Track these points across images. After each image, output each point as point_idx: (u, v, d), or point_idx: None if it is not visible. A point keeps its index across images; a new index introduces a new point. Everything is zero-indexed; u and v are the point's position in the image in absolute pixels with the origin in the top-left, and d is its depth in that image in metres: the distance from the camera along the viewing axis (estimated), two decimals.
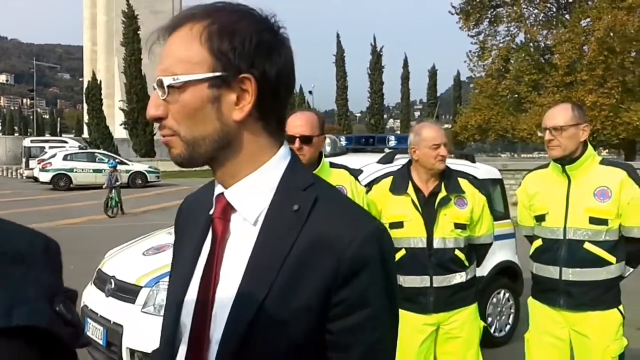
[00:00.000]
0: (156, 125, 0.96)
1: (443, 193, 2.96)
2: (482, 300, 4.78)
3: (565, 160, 2.74)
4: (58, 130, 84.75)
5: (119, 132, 44.40)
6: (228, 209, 0.96)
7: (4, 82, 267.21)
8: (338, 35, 48.98)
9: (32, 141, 33.54)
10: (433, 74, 55.53)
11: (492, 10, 30.74)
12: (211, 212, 0.99)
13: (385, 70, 47.39)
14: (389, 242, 0.97)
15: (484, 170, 5.27)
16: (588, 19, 26.62)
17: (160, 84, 0.90)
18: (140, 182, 25.24)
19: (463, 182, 3.05)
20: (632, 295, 3.34)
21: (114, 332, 3.68)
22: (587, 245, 2.68)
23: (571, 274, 2.71)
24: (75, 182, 24.08)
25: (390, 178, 3.14)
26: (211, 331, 0.93)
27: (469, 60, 31.00)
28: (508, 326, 5.16)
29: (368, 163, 4.36)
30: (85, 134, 44.96)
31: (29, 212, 15.21)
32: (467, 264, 3.01)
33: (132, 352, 3.57)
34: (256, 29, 0.91)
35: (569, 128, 2.69)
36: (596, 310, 2.71)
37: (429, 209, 2.95)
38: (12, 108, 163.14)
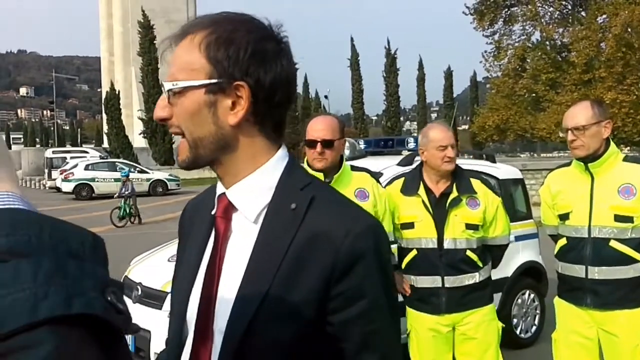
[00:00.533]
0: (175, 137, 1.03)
1: (454, 194, 2.96)
2: (507, 301, 4.77)
3: (588, 158, 2.71)
4: (79, 140, 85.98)
5: (138, 141, 44.75)
6: (230, 208, 1.02)
7: (25, 94, 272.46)
8: (352, 39, 48.85)
9: (54, 152, 33.96)
10: (449, 75, 55.13)
11: (506, 9, 30.58)
12: (213, 211, 1.05)
13: (401, 72, 47.15)
14: (384, 237, 1.02)
15: (505, 170, 5.25)
16: (604, 16, 26.33)
17: (164, 88, 0.98)
18: (161, 190, 25.50)
19: (475, 183, 3.04)
20: None
21: (142, 338, 3.73)
22: (613, 243, 2.66)
23: (597, 273, 2.69)
24: (97, 192, 24.36)
25: (402, 179, 3.17)
26: (215, 323, 0.98)
27: (484, 60, 30.90)
28: (534, 327, 5.12)
29: (388, 166, 4.38)
30: (105, 144, 45.38)
31: None
32: (480, 264, 3.00)
33: None
34: (253, 38, 0.95)
35: (591, 127, 2.66)
36: (624, 309, 2.68)
37: (439, 210, 2.95)
38: (33, 120, 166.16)
